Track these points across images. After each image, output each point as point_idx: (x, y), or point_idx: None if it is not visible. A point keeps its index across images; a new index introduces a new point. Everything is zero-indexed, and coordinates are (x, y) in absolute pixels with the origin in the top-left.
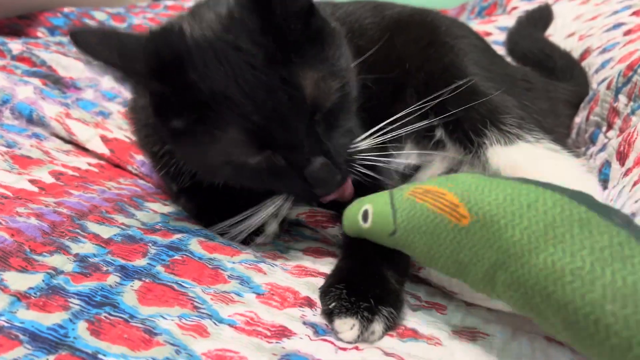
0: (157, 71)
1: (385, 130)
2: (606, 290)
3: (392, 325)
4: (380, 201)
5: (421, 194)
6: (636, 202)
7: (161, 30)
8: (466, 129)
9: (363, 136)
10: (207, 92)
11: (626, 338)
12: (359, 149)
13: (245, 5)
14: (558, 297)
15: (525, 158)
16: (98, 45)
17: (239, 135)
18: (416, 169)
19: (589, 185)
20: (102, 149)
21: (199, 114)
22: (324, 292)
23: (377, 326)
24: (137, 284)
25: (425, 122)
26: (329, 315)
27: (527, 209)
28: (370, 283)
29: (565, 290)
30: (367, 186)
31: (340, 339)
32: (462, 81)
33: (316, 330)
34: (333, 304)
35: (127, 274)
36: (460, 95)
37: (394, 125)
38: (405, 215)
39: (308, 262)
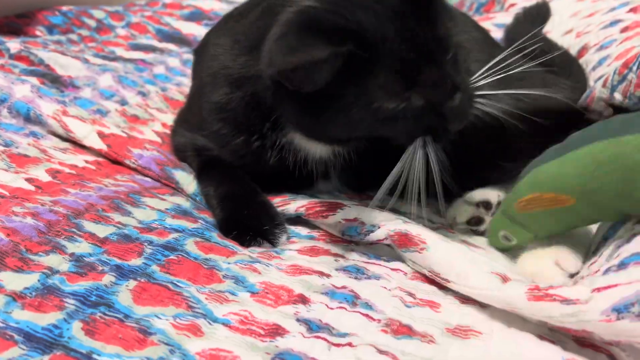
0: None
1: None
2: None
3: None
4: (505, 224)
5: (525, 206)
6: None
7: None
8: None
9: (478, 73)
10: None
11: None
12: (477, 85)
13: None
14: None
15: None
16: None
17: (388, 77)
18: None
19: None
20: (100, 145)
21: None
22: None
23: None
24: (132, 283)
25: None
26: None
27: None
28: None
29: None
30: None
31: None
32: None
33: (310, 326)
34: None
35: (123, 273)
36: None
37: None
38: (533, 223)
39: (303, 262)
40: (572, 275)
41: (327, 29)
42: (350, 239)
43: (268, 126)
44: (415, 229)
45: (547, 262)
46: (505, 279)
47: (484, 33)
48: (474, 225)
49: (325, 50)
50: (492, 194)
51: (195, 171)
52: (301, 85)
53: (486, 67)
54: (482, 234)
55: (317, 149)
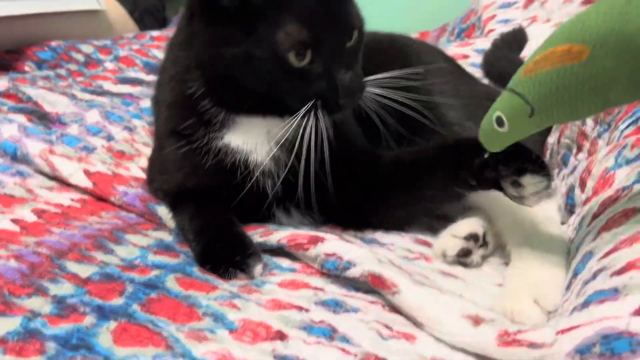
0: None
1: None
2: None
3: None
4: (503, 100)
5: (533, 67)
6: (594, 239)
7: None
8: None
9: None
10: None
11: None
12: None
13: None
14: None
15: None
16: None
17: (294, 29)
18: None
19: (546, 208)
20: (85, 182)
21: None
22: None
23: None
24: (112, 324)
25: None
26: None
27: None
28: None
29: None
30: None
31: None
32: (429, 112)
33: None
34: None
35: (104, 314)
36: (424, 126)
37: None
38: (534, 91)
39: (283, 295)
40: (550, 312)
41: None
42: (329, 272)
43: (203, 128)
44: (389, 272)
45: (526, 301)
46: (477, 322)
47: (452, 64)
48: (462, 257)
49: None
50: (476, 226)
51: (169, 208)
52: None
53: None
54: (468, 265)
55: (253, 149)
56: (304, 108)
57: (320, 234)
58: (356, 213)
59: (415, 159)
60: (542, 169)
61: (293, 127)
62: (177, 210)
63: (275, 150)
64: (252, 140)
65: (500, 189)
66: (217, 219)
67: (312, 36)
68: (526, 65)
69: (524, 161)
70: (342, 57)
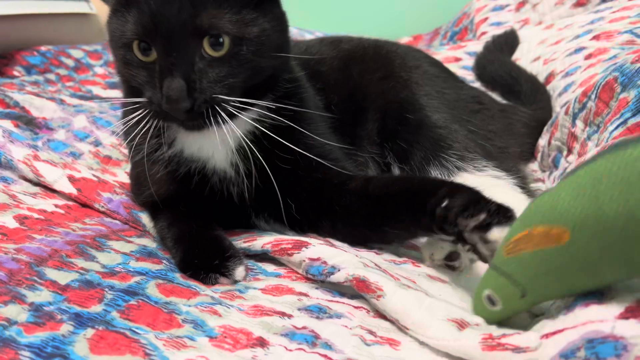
0: None
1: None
2: None
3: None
4: (491, 279)
5: (514, 248)
6: None
7: None
8: (413, 166)
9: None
10: None
11: None
12: (231, 104)
13: None
14: None
15: None
16: None
17: (134, 17)
18: None
19: None
20: (70, 189)
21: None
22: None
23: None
24: (90, 332)
25: None
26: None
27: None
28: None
29: None
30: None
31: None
32: (413, 115)
33: None
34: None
35: (81, 321)
36: (410, 130)
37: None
38: (521, 272)
39: (266, 302)
40: (536, 315)
41: None
42: (313, 278)
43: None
44: (374, 276)
45: None
46: (462, 326)
47: (439, 67)
48: (450, 261)
49: None
50: None
51: (150, 217)
52: None
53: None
54: (456, 268)
55: (209, 154)
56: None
57: (305, 239)
58: (322, 231)
59: (380, 195)
60: (508, 218)
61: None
62: (156, 219)
63: (230, 154)
64: (207, 146)
65: (466, 242)
66: (194, 225)
67: (146, 32)
68: (506, 245)
69: (487, 212)
70: (174, 54)
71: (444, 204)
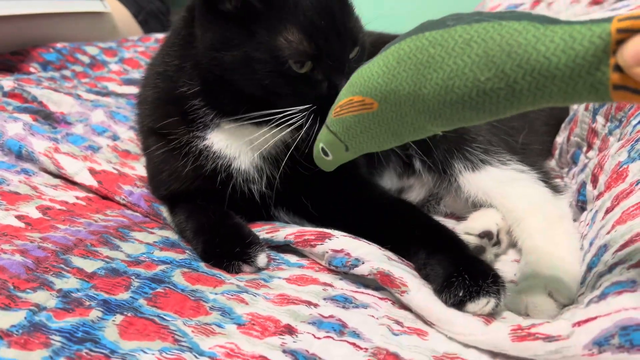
0: None
1: None
2: None
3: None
4: (324, 134)
5: (340, 111)
6: (608, 233)
7: None
8: (436, 159)
9: None
10: None
11: None
12: None
13: None
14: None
15: (493, 182)
16: None
17: (295, 37)
18: (399, 192)
19: (558, 204)
20: (91, 181)
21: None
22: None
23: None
24: (118, 318)
25: None
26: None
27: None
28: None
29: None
30: None
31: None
32: None
33: (296, 357)
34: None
35: (110, 308)
36: None
37: None
38: (343, 131)
39: (291, 291)
40: (565, 305)
41: None
42: (336, 269)
43: (184, 127)
44: (398, 271)
45: (540, 295)
46: (488, 320)
47: None
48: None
49: None
50: (490, 224)
51: (168, 211)
52: None
53: None
54: None
55: (236, 154)
56: (299, 115)
57: (328, 231)
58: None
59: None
60: (482, 292)
61: (278, 137)
62: (174, 213)
63: (256, 159)
64: (236, 146)
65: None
66: (213, 215)
67: (314, 47)
68: (334, 108)
69: (463, 289)
70: (343, 68)
71: (426, 270)
